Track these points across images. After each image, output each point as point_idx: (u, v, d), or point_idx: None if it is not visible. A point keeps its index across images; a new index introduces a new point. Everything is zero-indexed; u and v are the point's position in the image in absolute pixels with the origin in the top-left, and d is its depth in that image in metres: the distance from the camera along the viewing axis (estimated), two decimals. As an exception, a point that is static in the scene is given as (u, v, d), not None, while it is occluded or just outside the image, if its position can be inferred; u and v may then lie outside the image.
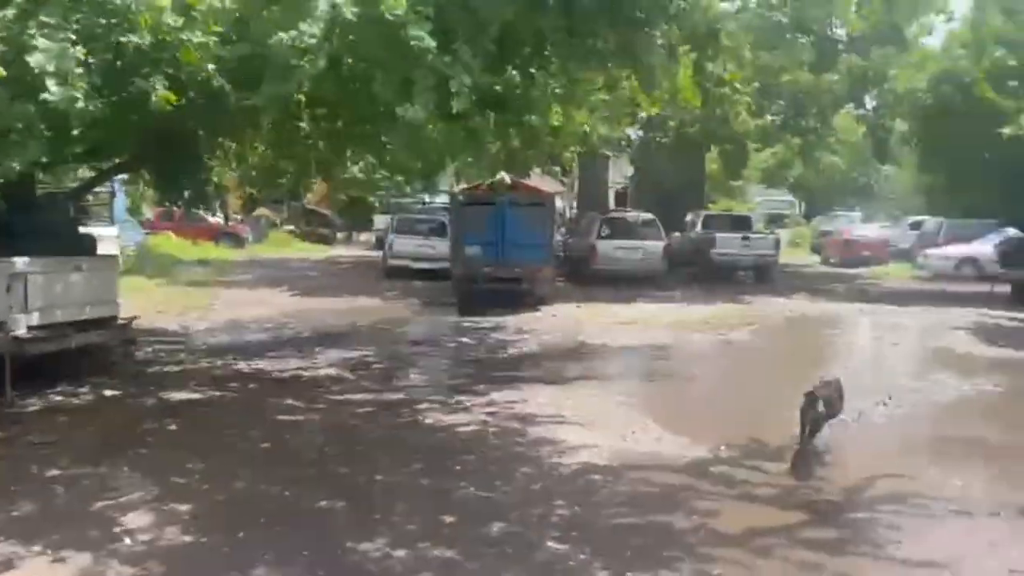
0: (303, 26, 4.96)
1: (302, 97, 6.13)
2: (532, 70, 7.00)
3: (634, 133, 25.82)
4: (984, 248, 21.95)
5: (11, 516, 5.04)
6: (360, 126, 7.38)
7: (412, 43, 5.05)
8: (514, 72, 6.82)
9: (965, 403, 9.00)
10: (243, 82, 5.40)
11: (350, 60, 5.64)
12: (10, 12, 4.77)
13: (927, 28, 24.47)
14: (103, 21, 4.77)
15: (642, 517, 5.32)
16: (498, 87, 6.66)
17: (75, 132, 5.26)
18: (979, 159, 21.68)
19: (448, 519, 5.15)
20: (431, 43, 5.15)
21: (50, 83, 4.60)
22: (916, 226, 30.05)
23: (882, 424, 7.88)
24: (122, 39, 4.72)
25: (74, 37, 4.73)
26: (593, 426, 7.31)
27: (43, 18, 4.65)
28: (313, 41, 4.98)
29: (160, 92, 4.91)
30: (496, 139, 9.00)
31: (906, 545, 4.89)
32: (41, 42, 4.59)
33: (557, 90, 7.80)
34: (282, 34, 4.94)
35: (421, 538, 4.84)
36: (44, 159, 6.07)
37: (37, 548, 4.56)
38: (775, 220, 42.77)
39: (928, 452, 7.26)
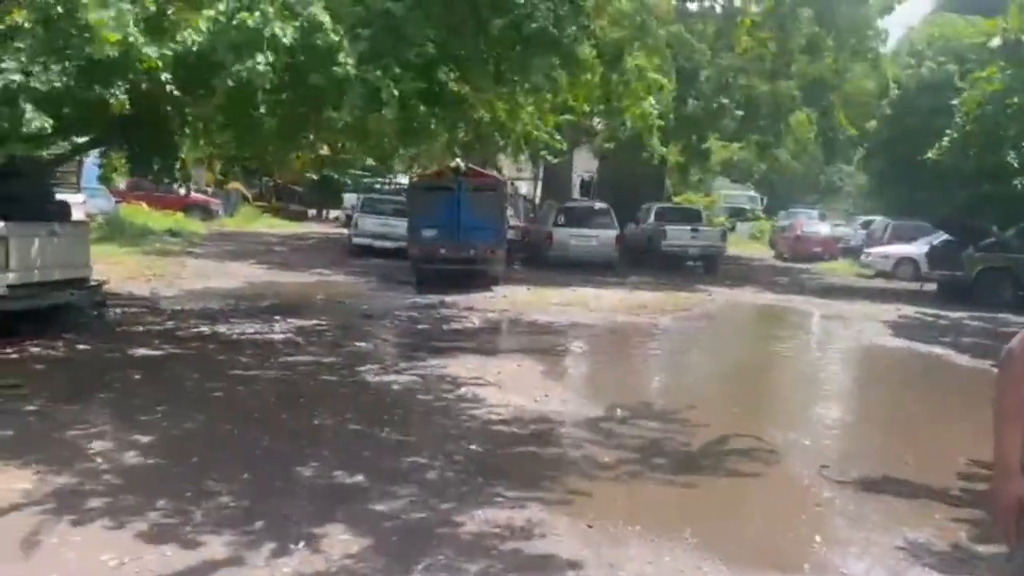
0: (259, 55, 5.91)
1: (257, 92, 7.05)
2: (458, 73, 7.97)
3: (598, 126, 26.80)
4: (920, 249, 23.27)
5: (-2, 438, 5.98)
6: (313, 119, 8.32)
7: (337, 69, 6.02)
8: (449, 74, 7.79)
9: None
10: (201, 81, 6.31)
11: (291, 74, 6.59)
12: None
13: (881, 34, 25.67)
14: (74, 34, 5.63)
15: (533, 455, 6.37)
16: (435, 87, 7.62)
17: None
18: (918, 163, 23.02)
19: (366, 454, 6.15)
20: (352, 70, 6.11)
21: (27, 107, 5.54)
22: (867, 225, 31.43)
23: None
24: (88, 49, 5.59)
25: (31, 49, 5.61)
26: (510, 389, 8.33)
27: (17, 43, 5.54)
28: (260, 66, 5.92)
29: (118, 98, 5.81)
30: (444, 131, 9.99)
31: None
32: (9, 63, 5.51)
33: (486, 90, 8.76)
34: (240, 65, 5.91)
35: (341, 467, 5.82)
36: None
37: (20, 461, 5.49)
38: (737, 214, 44.11)
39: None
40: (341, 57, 6.08)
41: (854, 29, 20.29)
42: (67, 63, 5.67)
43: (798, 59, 21.76)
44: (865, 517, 5.44)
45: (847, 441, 7.75)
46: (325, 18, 6.36)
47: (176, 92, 6.19)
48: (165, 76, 5.88)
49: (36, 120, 5.65)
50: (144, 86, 6.14)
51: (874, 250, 25.82)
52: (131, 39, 5.51)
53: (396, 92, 6.31)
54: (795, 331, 14.82)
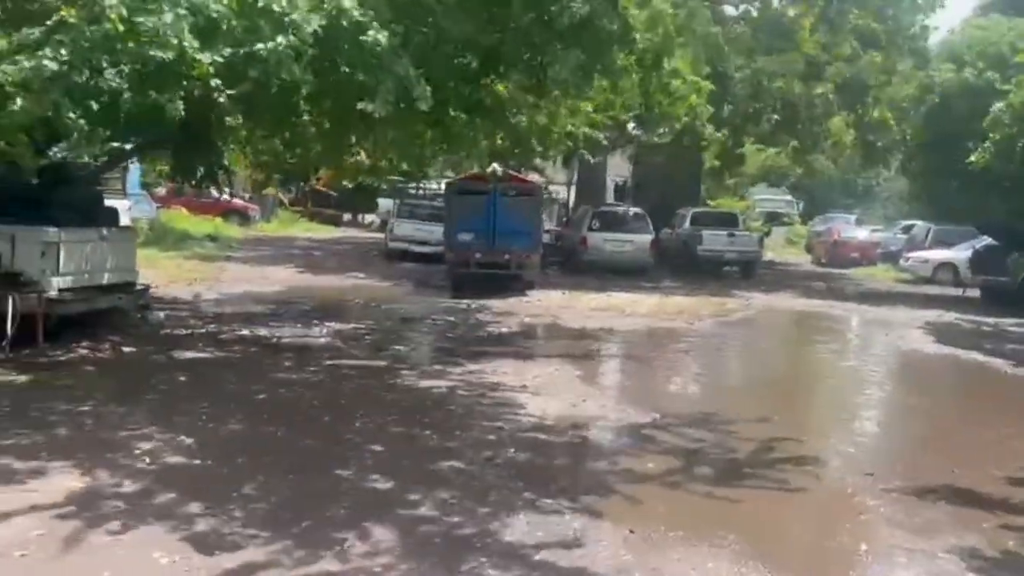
0: (280, 38, 6.01)
1: (300, 98, 7.16)
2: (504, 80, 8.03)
3: (634, 130, 26.76)
4: (961, 254, 22.86)
5: (51, 438, 6.13)
6: (353, 125, 8.43)
7: (364, 42, 6.09)
8: (491, 81, 7.85)
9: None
10: (239, 85, 6.43)
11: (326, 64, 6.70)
12: (36, 31, 5.81)
13: (924, 35, 25.31)
14: (143, 40, 5.75)
15: (572, 460, 6.38)
16: (478, 96, 7.69)
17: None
18: (960, 167, 22.64)
19: (406, 457, 6.20)
20: (384, 41, 6.18)
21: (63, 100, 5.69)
22: (906, 230, 30.95)
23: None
24: (151, 53, 5.71)
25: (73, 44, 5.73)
26: (547, 394, 8.35)
27: (58, 36, 5.68)
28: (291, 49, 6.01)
29: (174, 105, 5.93)
30: (483, 139, 10.07)
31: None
32: (48, 51, 5.63)
33: (530, 97, 8.82)
34: (274, 41, 5.99)
35: (381, 470, 5.88)
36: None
37: (73, 462, 5.62)
38: (773, 219, 43.65)
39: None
40: (371, 35, 6.11)
41: (899, 30, 20.08)
42: (122, 67, 5.79)
43: (836, 62, 21.54)
44: (911, 525, 5.37)
45: (891, 448, 7.67)
46: (348, 2, 6.42)
47: (225, 98, 6.30)
48: (216, 82, 5.99)
49: (70, 112, 5.73)
50: (196, 92, 6.26)
51: (913, 255, 25.42)
52: (185, 45, 5.64)
53: (428, 90, 6.39)
54: (834, 337, 14.65)
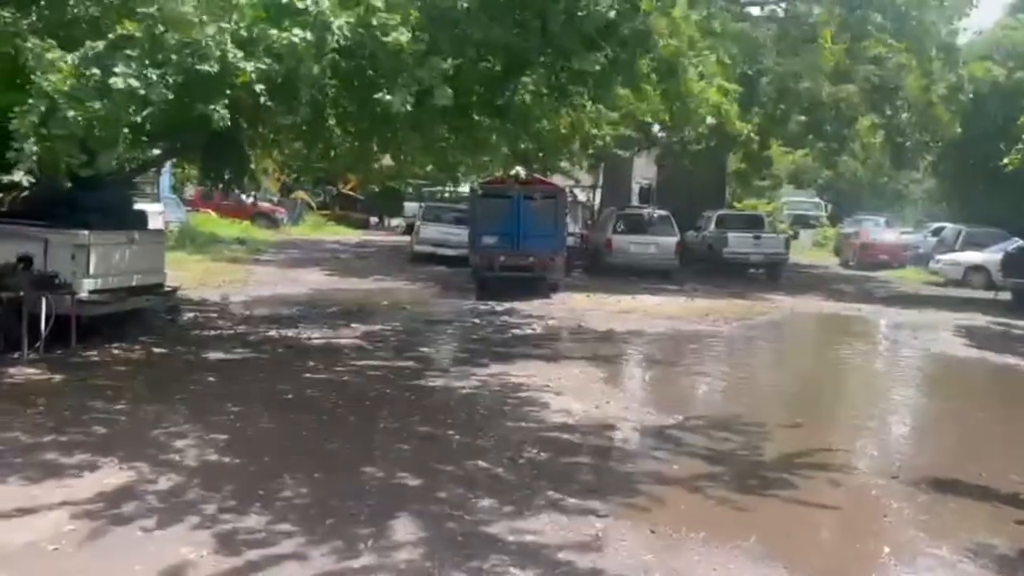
0: (299, 31, 6.11)
1: (327, 102, 7.27)
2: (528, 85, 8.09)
3: (658, 133, 26.68)
4: (992, 256, 22.55)
5: (85, 435, 6.28)
6: (378, 128, 8.54)
7: (387, 43, 6.18)
8: (514, 87, 7.91)
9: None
10: (279, 91, 6.55)
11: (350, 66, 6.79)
12: (100, 44, 5.94)
13: (953, 37, 24.99)
14: (185, 51, 5.89)
15: (595, 461, 6.42)
16: (499, 101, 7.75)
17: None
18: (991, 169, 22.35)
19: (431, 456, 6.27)
20: (406, 38, 6.26)
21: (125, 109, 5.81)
22: (936, 232, 30.59)
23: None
24: (197, 67, 5.85)
25: (147, 62, 5.87)
26: (571, 395, 8.38)
27: (128, 51, 5.81)
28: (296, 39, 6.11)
29: (219, 113, 6.05)
30: (505, 143, 10.13)
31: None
32: (121, 69, 5.75)
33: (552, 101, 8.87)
34: (295, 37, 6.10)
35: (406, 469, 5.96)
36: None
37: (109, 458, 5.77)
38: (800, 221, 43.28)
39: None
40: (394, 34, 6.20)
41: (926, 32, 19.87)
42: (169, 77, 5.92)
43: (863, 64, 21.34)
44: (936, 528, 5.35)
45: (917, 451, 7.61)
46: (379, 1, 6.50)
47: (268, 104, 6.41)
48: (259, 87, 6.11)
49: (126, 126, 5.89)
50: (234, 99, 6.37)
51: (944, 257, 25.10)
52: (229, 55, 5.76)
53: (449, 89, 6.47)
54: (862, 340, 14.52)
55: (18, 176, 6.08)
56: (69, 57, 5.96)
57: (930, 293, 21.96)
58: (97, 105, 5.92)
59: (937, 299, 20.09)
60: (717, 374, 10.77)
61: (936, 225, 32.73)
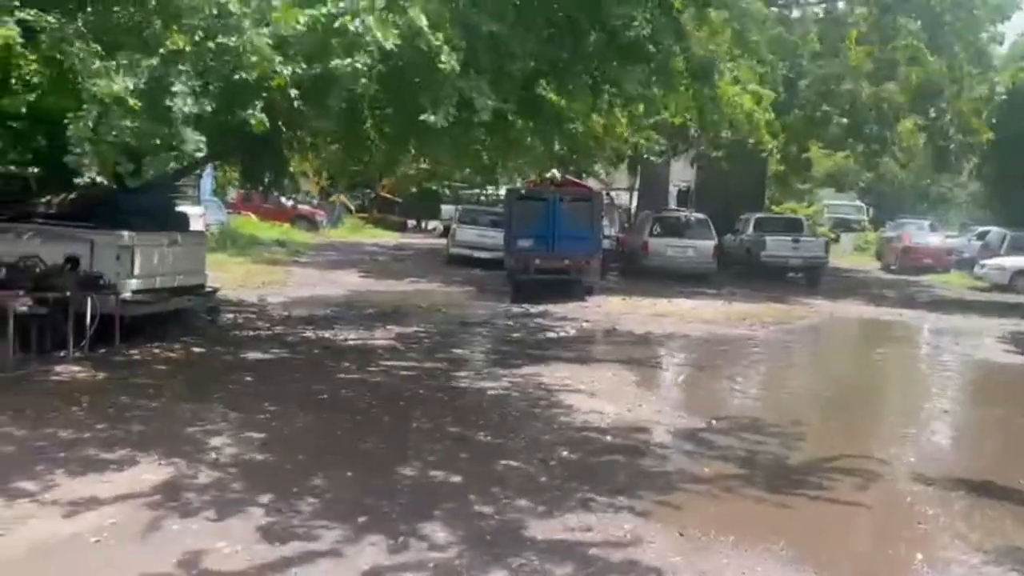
0: (356, 56, 6.19)
1: (364, 105, 7.37)
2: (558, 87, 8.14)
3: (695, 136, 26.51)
4: (1039, 261, 22.08)
5: (127, 432, 6.45)
6: (414, 132, 8.64)
7: (440, 67, 6.25)
8: (546, 86, 7.96)
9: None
10: (313, 96, 6.66)
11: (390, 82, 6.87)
12: (155, 61, 6.11)
13: (997, 38, 24.51)
14: (225, 59, 6.03)
15: (626, 462, 6.43)
16: (533, 100, 7.80)
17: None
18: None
19: (463, 456, 6.34)
20: (456, 66, 6.33)
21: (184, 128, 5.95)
22: (981, 236, 29.96)
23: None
24: (235, 76, 5.99)
25: (191, 72, 6.01)
26: (604, 397, 8.39)
27: (180, 67, 5.96)
28: (365, 67, 6.20)
29: (257, 117, 6.18)
30: (540, 145, 10.17)
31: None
32: (179, 87, 5.90)
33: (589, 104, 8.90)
34: (350, 59, 6.19)
35: (439, 468, 6.03)
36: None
37: (149, 455, 5.92)
38: (841, 224, 42.67)
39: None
40: (443, 58, 6.27)
41: (968, 31, 19.51)
42: (211, 86, 6.06)
43: (904, 63, 21.01)
44: (971, 536, 5.27)
45: (956, 459, 7.50)
46: (423, 21, 6.57)
47: (302, 108, 6.52)
48: (294, 92, 6.22)
49: (191, 142, 6.04)
50: (270, 102, 6.49)
51: (989, 262, 24.60)
52: (266, 63, 5.89)
53: (490, 102, 6.52)
54: (902, 345, 14.30)
55: (87, 179, 6.19)
56: (125, 81, 6.05)
57: (974, 298, 21.52)
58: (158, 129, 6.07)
59: (981, 304, 19.67)
60: (752, 378, 10.71)
61: (981, 229, 32.09)
